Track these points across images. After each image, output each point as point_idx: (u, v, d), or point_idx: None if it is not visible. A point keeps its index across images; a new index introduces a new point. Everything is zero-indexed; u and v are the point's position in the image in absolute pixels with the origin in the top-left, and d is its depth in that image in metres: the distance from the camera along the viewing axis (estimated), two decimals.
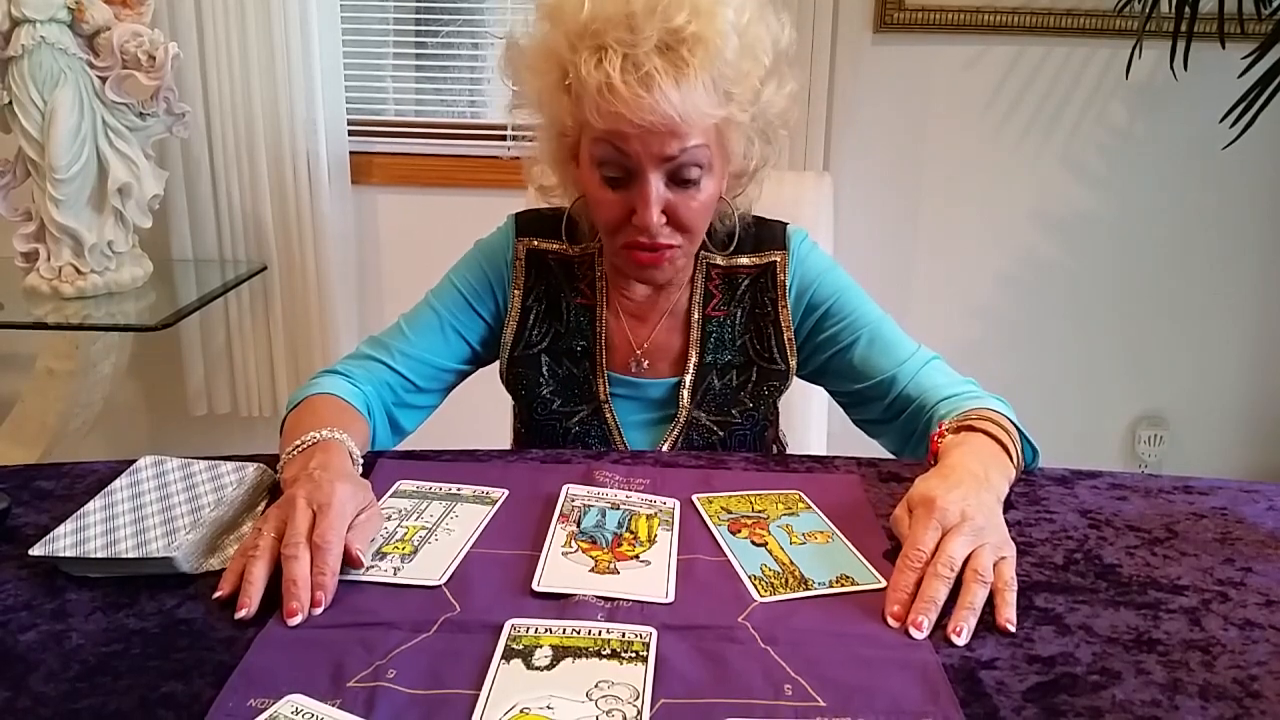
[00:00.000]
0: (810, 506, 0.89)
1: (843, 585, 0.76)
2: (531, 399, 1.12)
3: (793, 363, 1.11)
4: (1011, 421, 0.96)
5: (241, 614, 0.70)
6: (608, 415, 1.12)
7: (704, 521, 0.86)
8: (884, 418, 1.10)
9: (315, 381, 1.05)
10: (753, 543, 0.82)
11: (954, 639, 0.69)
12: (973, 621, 0.70)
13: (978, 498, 0.80)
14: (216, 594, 0.73)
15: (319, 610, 0.71)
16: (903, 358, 1.08)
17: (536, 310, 1.12)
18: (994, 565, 0.75)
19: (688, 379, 1.11)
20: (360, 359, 1.10)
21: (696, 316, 1.11)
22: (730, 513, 0.87)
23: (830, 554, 0.81)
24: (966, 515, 0.77)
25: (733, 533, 0.83)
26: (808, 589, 0.75)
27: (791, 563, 0.79)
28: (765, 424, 1.15)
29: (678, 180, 0.97)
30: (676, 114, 0.91)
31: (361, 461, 0.92)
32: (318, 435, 0.89)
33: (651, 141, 0.93)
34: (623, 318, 1.12)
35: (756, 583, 0.76)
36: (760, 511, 0.88)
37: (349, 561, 0.76)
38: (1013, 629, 0.71)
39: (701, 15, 0.92)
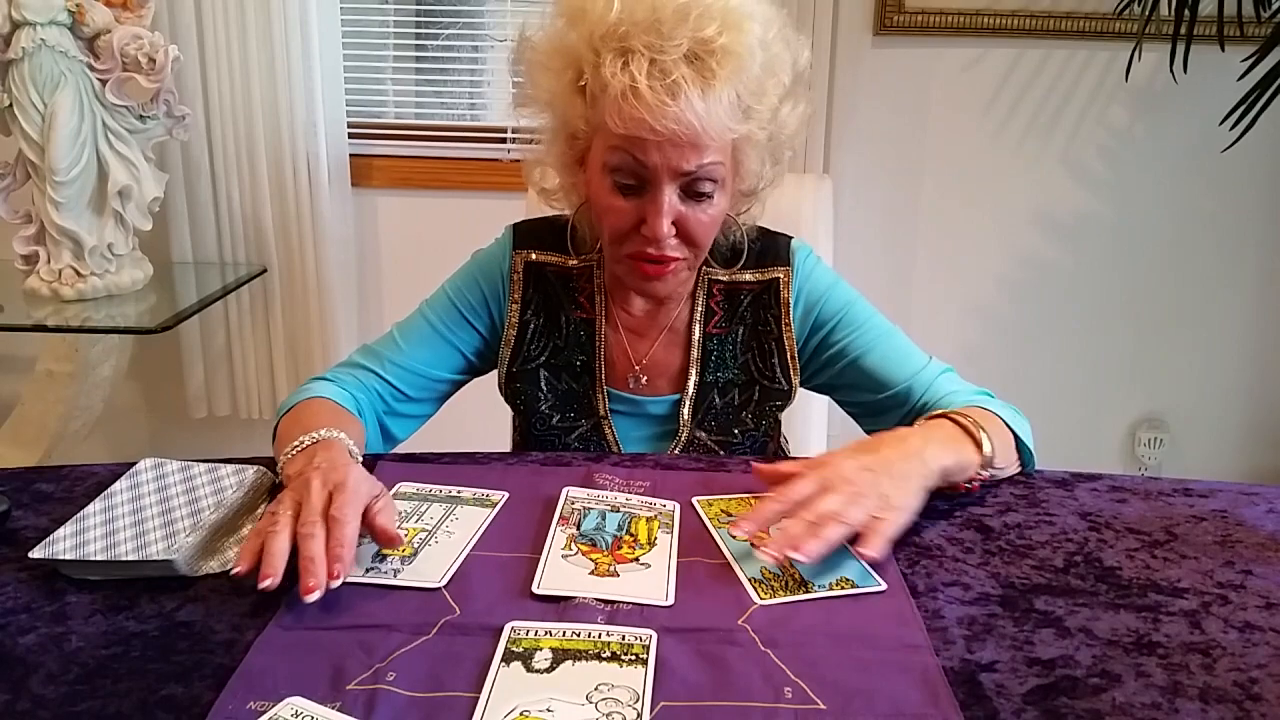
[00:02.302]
0: None
1: (842, 588, 0.76)
2: (530, 414, 1.11)
3: (795, 382, 1.10)
4: (1006, 423, 0.96)
5: (266, 584, 0.70)
6: (607, 431, 1.11)
7: (704, 524, 0.86)
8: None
9: (306, 387, 1.05)
10: (752, 545, 0.81)
11: (791, 553, 0.73)
12: (817, 547, 0.74)
13: (886, 470, 0.82)
14: (234, 569, 0.72)
15: (336, 583, 0.70)
16: (917, 367, 1.07)
17: (535, 324, 1.11)
18: (870, 523, 0.78)
19: (689, 398, 1.09)
20: (351, 367, 1.09)
21: (697, 335, 1.09)
22: (730, 515, 0.87)
23: (829, 557, 0.80)
24: (850, 481, 0.79)
25: (733, 535, 0.83)
26: (807, 591, 0.75)
27: (791, 565, 0.79)
28: (766, 440, 1.14)
29: (690, 194, 0.96)
30: (700, 125, 0.90)
31: (361, 461, 0.92)
32: (316, 435, 0.89)
33: (671, 153, 0.92)
34: (622, 332, 1.11)
35: (756, 585, 0.76)
36: None
37: (388, 542, 0.77)
38: (871, 555, 0.76)
39: (731, 28, 0.90)
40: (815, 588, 0.76)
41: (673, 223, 0.96)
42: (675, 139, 0.91)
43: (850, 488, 0.79)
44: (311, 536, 0.72)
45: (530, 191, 1.17)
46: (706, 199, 0.96)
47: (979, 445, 0.91)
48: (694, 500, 0.89)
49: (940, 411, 0.96)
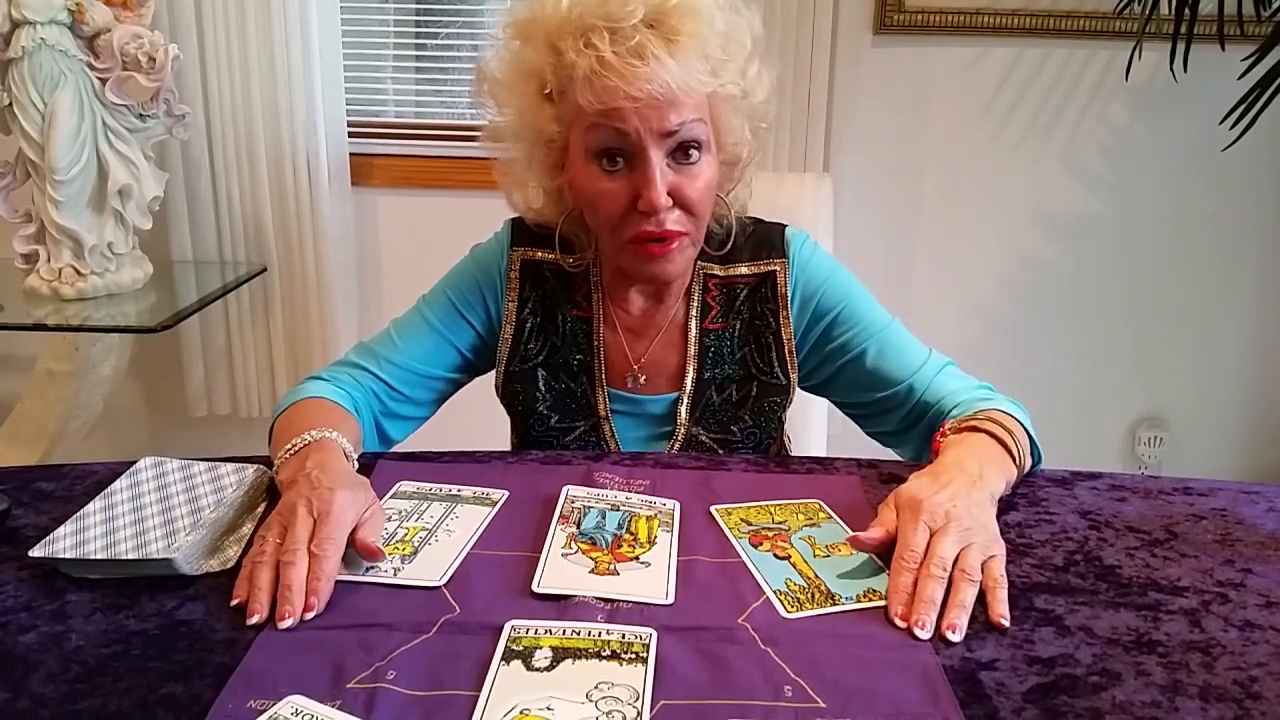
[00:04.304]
0: (831, 516, 0.88)
1: (870, 600, 0.74)
2: (528, 414, 1.10)
3: (794, 377, 1.09)
4: (1021, 424, 0.96)
5: (254, 620, 0.70)
6: (606, 432, 1.09)
7: (724, 533, 0.84)
8: (900, 428, 1.08)
9: (301, 387, 1.04)
10: (775, 556, 0.80)
11: (949, 635, 0.70)
12: (964, 618, 0.71)
13: (967, 497, 0.80)
14: (234, 601, 0.73)
15: (311, 615, 0.71)
16: (917, 364, 1.05)
17: (532, 322, 1.09)
18: (983, 564, 0.75)
19: (686, 395, 1.08)
20: (348, 366, 1.08)
21: (694, 331, 1.08)
22: (750, 524, 0.85)
23: (855, 567, 0.79)
24: (952, 516, 0.78)
25: (754, 545, 0.82)
26: (835, 604, 0.74)
27: (816, 576, 0.77)
28: (768, 441, 1.12)
29: (678, 159, 0.95)
30: (674, 83, 0.90)
31: (356, 461, 0.92)
32: (310, 436, 0.89)
33: (650, 116, 0.91)
34: (619, 332, 1.09)
35: (783, 598, 0.74)
36: (781, 523, 0.86)
37: (370, 555, 0.77)
38: (1006, 624, 0.71)
39: None
40: (842, 600, 0.74)
41: (668, 194, 0.95)
42: (652, 100, 0.90)
43: (955, 524, 0.77)
44: (292, 565, 0.73)
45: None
46: (695, 163, 0.96)
47: (1015, 460, 0.91)
48: (712, 509, 0.88)
49: (970, 421, 0.94)
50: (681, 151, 0.95)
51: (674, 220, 0.96)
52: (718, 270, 1.09)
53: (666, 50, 0.90)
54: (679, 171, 0.95)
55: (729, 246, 1.08)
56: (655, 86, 0.90)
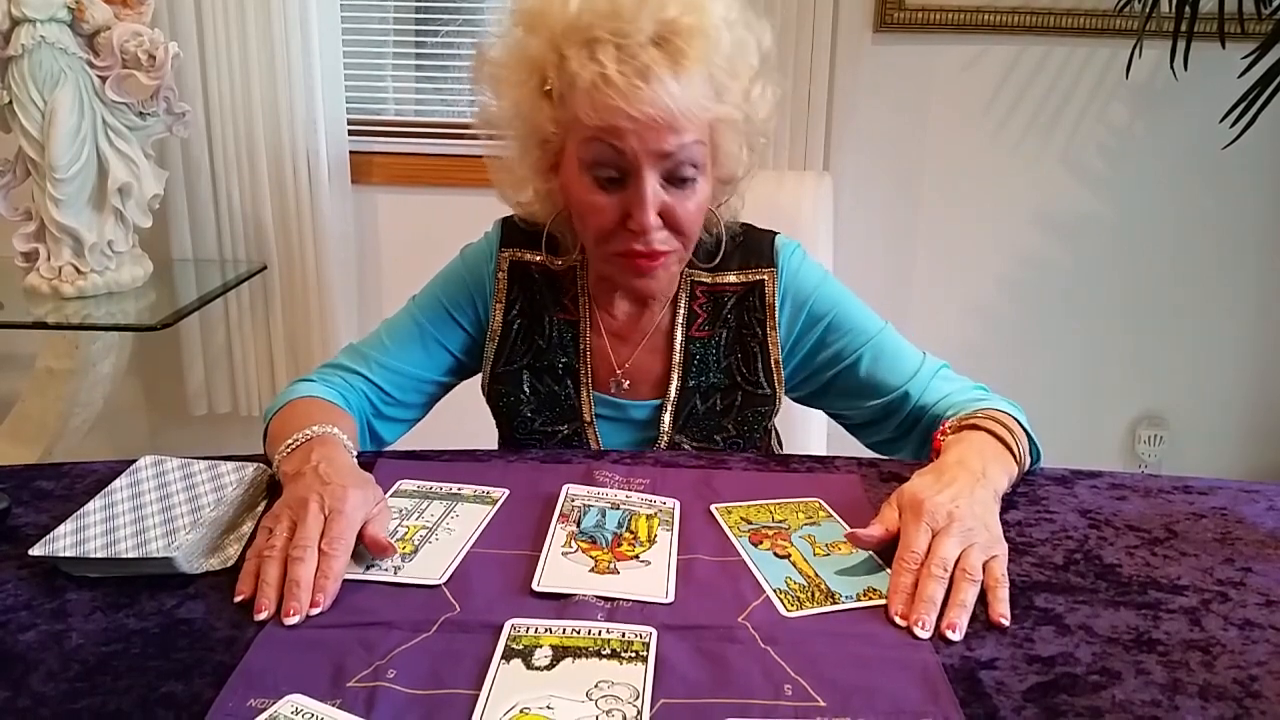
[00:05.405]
0: (831, 515, 0.88)
1: (870, 599, 0.74)
2: (513, 416, 1.09)
3: (779, 388, 1.08)
4: (1019, 423, 0.96)
5: (261, 615, 0.70)
6: (590, 436, 1.08)
7: (724, 532, 0.84)
8: (897, 435, 1.08)
9: (292, 388, 1.04)
10: (775, 554, 0.80)
11: (949, 634, 0.70)
12: (964, 618, 0.71)
13: (970, 495, 0.80)
14: (238, 597, 0.73)
15: (316, 611, 0.71)
16: (912, 369, 1.05)
17: (519, 324, 1.09)
18: (985, 564, 0.75)
19: (670, 403, 1.07)
20: (338, 369, 1.08)
21: (680, 338, 1.08)
22: (750, 523, 0.86)
23: (855, 565, 0.79)
24: (954, 516, 0.77)
25: (754, 544, 0.82)
26: (835, 603, 0.74)
27: (816, 575, 0.77)
28: (752, 450, 1.10)
29: (673, 181, 0.93)
30: (676, 107, 0.88)
31: (356, 456, 0.92)
32: (311, 431, 0.89)
33: (649, 137, 0.90)
34: (605, 336, 1.09)
35: (783, 597, 0.74)
36: (781, 521, 0.86)
37: (379, 551, 0.77)
38: (1006, 623, 0.71)
39: (693, 9, 0.90)
40: (842, 599, 0.74)
41: (658, 214, 0.93)
42: (652, 123, 0.89)
43: (958, 525, 0.77)
44: (301, 561, 0.73)
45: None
46: (689, 185, 0.94)
47: (1016, 458, 0.90)
48: (713, 507, 0.88)
49: (970, 420, 0.94)
50: (677, 173, 0.93)
51: (661, 240, 0.95)
52: (705, 278, 1.08)
53: (672, 73, 0.88)
54: (672, 193, 0.94)
55: (719, 255, 1.06)
56: (657, 110, 0.88)
